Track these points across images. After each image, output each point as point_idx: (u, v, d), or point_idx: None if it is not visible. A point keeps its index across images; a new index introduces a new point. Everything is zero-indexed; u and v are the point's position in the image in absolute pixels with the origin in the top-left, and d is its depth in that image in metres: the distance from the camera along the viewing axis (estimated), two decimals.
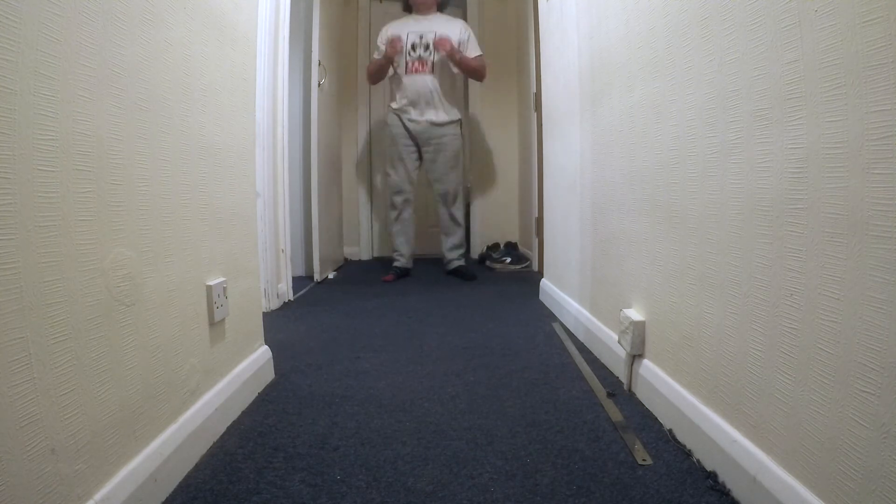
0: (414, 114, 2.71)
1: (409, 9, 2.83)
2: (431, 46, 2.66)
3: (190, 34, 0.92)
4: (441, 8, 2.82)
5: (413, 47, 2.68)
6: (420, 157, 2.81)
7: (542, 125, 2.35)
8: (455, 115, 2.77)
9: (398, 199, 2.79)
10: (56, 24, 0.59)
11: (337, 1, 3.17)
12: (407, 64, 2.68)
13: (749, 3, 0.73)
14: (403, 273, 2.84)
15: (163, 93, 0.83)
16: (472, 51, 2.70)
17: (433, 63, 2.68)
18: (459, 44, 2.67)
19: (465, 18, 3.70)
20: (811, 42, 0.62)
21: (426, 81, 2.68)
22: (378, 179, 3.69)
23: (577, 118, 1.67)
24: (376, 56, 2.73)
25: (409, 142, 2.75)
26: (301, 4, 2.68)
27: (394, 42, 2.59)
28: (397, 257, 2.85)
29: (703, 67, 0.86)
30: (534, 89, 2.88)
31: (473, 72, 2.72)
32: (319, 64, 2.65)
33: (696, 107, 0.89)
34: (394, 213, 2.82)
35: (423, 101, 2.69)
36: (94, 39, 0.66)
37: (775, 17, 0.68)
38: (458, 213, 2.84)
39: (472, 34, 2.73)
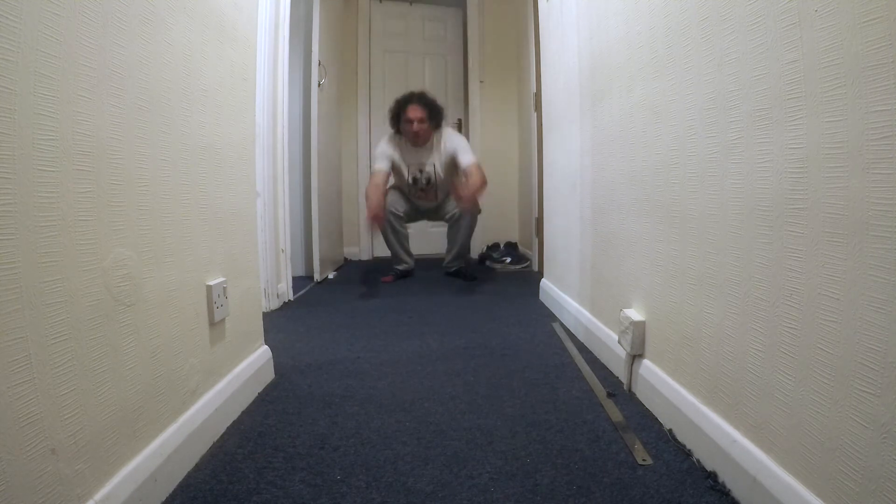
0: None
1: (398, 127, 2.65)
2: (433, 178, 2.66)
3: (190, 34, 0.92)
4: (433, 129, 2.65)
5: (415, 180, 2.68)
6: (420, 213, 2.83)
7: (542, 125, 2.35)
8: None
9: (393, 218, 2.66)
10: (56, 24, 0.59)
11: (337, 1, 3.17)
12: (410, 191, 2.71)
13: (749, 3, 0.73)
14: (406, 273, 2.83)
15: (163, 93, 0.83)
16: (464, 159, 2.53)
17: (436, 191, 2.71)
18: (454, 153, 2.58)
19: (464, 18, 3.72)
20: (811, 42, 0.62)
21: (430, 201, 2.75)
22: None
23: (577, 118, 1.67)
24: (380, 170, 2.57)
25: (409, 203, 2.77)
26: (301, 4, 2.68)
27: (375, 218, 2.40)
28: (396, 261, 2.79)
29: (703, 67, 0.86)
30: (534, 89, 2.88)
31: (482, 188, 2.48)
32: (319, 64, 2.65)
33: (696, 107, 0.89)
34: (387, 224, 2.66)
35: (430, 213, 2.79)
36: (94, 39, 0.66)
37: (775, 17, 0.68)
38: (468, 243, 2.82)
39: (466, 145, 2.60)
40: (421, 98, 2.57)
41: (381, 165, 2.59)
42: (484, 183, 2.45)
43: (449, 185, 2.74)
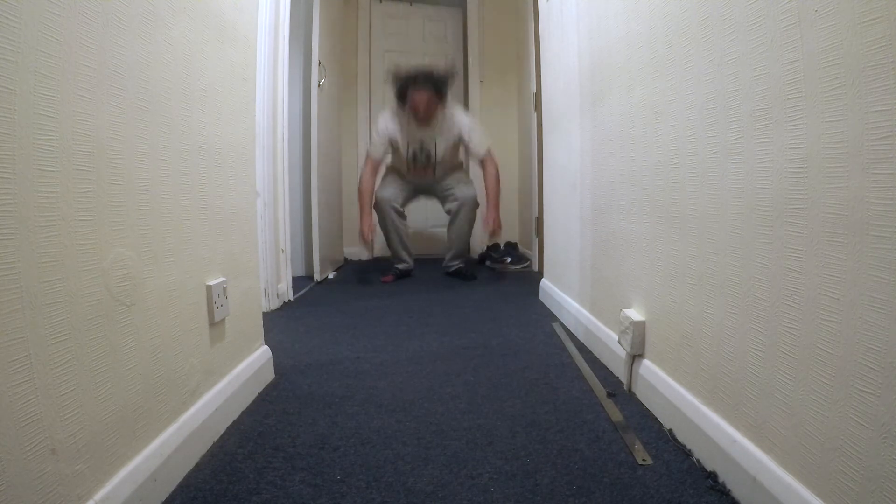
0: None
1: (403, 100, 2.60)
2: (433, 155, 2.61)
3: (190, 34, 0.92)
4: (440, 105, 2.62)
5: (414, 157, 2.62)
6: (418, 194, 2.80)
7: (542, 125, 2.35)
8: (459, 175, 2.71)
9: (393, 214, 2.67)
10: (56, 24, 0.59)
11: (337, 1, 3.17)
12: (408, 167, 2.66)
13: (749, 3, 0.73)
14: (405, 273, 2.83)
15: (163, 93, 0.83)
16: (478, 146, 2.55)
17: (434, 168, 2.65)
18: (461, 136, 2.56)
19: (464, 18, 3.72)
20: (811, 42, 0.62)
21: (428, 179, 2.69)
22: (378, 179, 3.68)
23: (577, 118, 1.67)
24: (373, 152, 2.58)
25: (408, 186, 2.74)
26: (301, 4, 2.68)
27: (369, 234, 2.46)
28: (396, 260, 2.80)
29: (703, 67, 0.86)
30: (534, 89, 2.88)
31: (499, 185, 2.54)
32: (319, 64, 2.65)
33: (696, 107, 0.89)
34: (383, 221, 2.69)
35: (427, 189, 2.74)
36: (94, 39, 0.66)
37: (775, 17, 0.68)
38: (468, 239, 2.82)
39: (474, 127, 2.58)
40: (427, 79, 2.49)
41: (378, 152, 2.56)
42: (498, 181, 2.49)
43: (449, 166, 2.69)
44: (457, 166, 2.75)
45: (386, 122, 2.60)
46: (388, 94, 2.74)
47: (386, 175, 2.74)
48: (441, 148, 2.62)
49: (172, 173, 0.86)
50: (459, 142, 2.61)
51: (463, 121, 2.59)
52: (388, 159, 2.73)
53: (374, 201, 2.64)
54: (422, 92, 2.47)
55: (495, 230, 2.36)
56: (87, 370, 0.65)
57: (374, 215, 2.70)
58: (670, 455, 0.91)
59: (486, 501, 0.79)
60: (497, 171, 2.50)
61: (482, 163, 2.53)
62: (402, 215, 2.69)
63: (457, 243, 2.76)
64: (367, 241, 2.36)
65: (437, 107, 2.55)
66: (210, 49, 1.00)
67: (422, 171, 2.68)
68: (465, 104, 3.77)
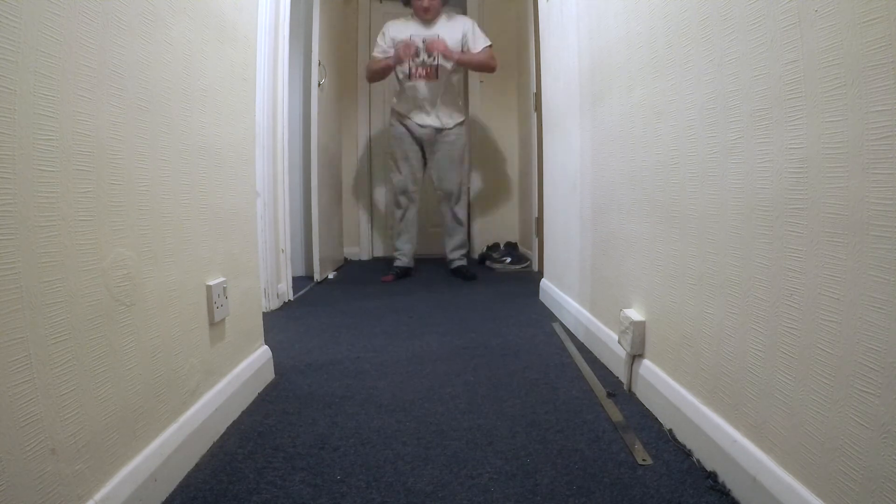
0: (417, 118, 2.71)
1: (408, 1, 2.77)
2: (437, 58, 2.64)
3: (190, 34, 0.92)
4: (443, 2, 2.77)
5: (416, 53, 2.66)
6: (424, 158, 2.81)
7: (542, 125, 2.35)
8: (459, 117, 2.76)
9: (403, 199, 2.79)
10: (56, 24, 0.59)
11: (337, 1, 3.17)
12: (410, 70, 2.66)
13: (749, 3, 0.73)
14: (405, 273, 2.84)
15: (163, 93, 0.83)
16: (479, 43, 2.66)
17: (436, 69, 2.66)
18: (465, 37, 2.64)
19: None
20: (811, 42, 0.62)
21: (429, 87, 2.67)
22: (378, 179, 3.69)
23: (577, 118, 1.67)
24: (377, 54, 2.70)
25: (413, 143, 2.76)
26: (301, 4, 2.68)
27: (408, 46, 2.56)
28: (399, 256, 2.85)
29: (703, 67, 0.86)
30: (534, 89, 2.88)
31: (480, 66, 2.69)
32: (319, 64, 2.64)
33: (696, 107, 0.89)
34: (399, 213, 2.82)
35: (427, 105, 2.69)
36: (94, 39, 0.66)
37: (775, 17, 0.68)
38: (461, 213, 2.85)
39: (476, 26, 2.69)
40: None
41: (385, 52, 2.66)
42: (485, 63, 2.62)
43: (449, 80, 2.71)
44: (459, 102, 2.77)
45: (388, 28, 2.70)
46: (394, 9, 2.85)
47: (394, 153, 2.80)
48: (430, 40, 2.67)
49: (172, 173, 0.86)
50: (461, 48, 2.67)
51: (466, 21, 2.70)
52: (394, 101, 2.78)
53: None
54: None
55: (432, 46, 2.51)
56: (87, 370, 0.65)
57: (393, 196, 2.86)
58: (670, 455, 0.91)
59: (486, 501, 0.79)
60: (490, 62, 2.65)
61: (481, 52, 2.65)
62: (412, 201, 2.79)
63: (456, 230, 2.84)
64: (409, 53, 2.52)
65: (440, 4, 2.66)
66: (210, 49, 1.00)
67: (423, 71, 2.68)
68: (465, 104, 3.77)
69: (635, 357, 1.19)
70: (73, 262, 0.63)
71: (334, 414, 1.10)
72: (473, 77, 3.68)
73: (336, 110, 3.19)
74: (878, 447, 0.54)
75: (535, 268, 3.04)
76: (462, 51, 2.67)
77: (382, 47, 2.68)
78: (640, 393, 1.15)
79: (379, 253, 3.74)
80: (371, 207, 3.71)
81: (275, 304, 2.10)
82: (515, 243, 3.42)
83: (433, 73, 2.67)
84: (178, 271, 0.88)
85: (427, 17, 2.64)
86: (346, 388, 1.25)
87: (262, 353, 1.28)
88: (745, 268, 0.77)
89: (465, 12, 3.70)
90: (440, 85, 2.67)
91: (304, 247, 2.85)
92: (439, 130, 2.72)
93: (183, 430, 0.87)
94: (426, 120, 2.71)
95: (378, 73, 2.72)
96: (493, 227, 3.70)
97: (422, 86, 2.66)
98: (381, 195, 3.72)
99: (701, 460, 0.88)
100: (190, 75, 0.92)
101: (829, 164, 0.60)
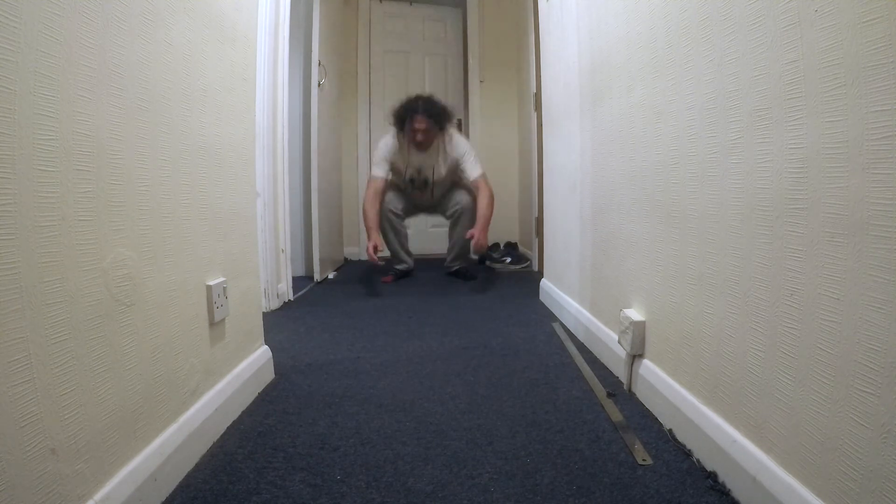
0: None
1: (400, 124, 2.62)
2: (431, 180, 2.66)
3: (190, 34, 0.92)
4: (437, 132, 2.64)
5: (412, 180, 2.67)
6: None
7: (542, 125, 2.35)
8: (463, 187, 2.72)
9: (391, 216, 2.68)
10: (56, 24, 0.59)
11: (337, 1, 3.17)
12: (406, 189, 2.72)
13: (749, 3, 0.73)
14: (406, 273, 2.84)
15: (163, 93, 0.83)
16: (474, 172, 2.57)
17: (432, 191, 2.71)
18: (459, 162, 2.59)
19: (464, 18, 3.72)
20: (811, 42, 0.62)
21: (426, 201, 2.76)
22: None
23: (577, 118, 1.67)
24: (377, 178, 2.58)
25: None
26: (301, 4, 2.68)
27: (371, 256, 2.43)
28: (398, 262, 2.81)
29: (703, 67, 0.86)
30: (534, 89, 2.88)
31: (492, 206, 2.55)
32: (319, 64, 2.65)
33: (696, 107, 0.89)
34: (387, 224, 2.69)
35: (426, 208, 2.79)
36: (94, 39, 0.66)
37: (775, 17, 0.68)
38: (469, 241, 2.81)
39: (471, 153, 2.61)
40: (427, 106, 2.51)
41: (379, 172, 2.60)
42: (491, 204, 2.52)
43: (448, 185, 2.73)
44: (456, 183, 2.77)
45: (385, 146, 2.63)
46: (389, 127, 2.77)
47: (388, 189, 2.77)
48: (439, 172, 2.67)
49: (172, 173, 0.86)
50: (457, 166, 2.66)
51: (460, 146, 2.63)
52: (390, 176, 2.77)
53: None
54: (421, 118, 2.50)
55: (477, 247, 2.41)
56: (87, 370, 0.65)
57: (384, 208, 2.77)
58: (670, 455, 0.91)
59: (486, 501, 0.79)
60: (491, 195, 2.54)
61: (476, 186, 2.58)
62: (400, 217, 2.71)
63: (458, 245, 2.78)
64: (374, 260, 2.40)
65: (435, 135, 2.59)
66: (210, 49, 1.00)
67: (419, 195, 2.74)
68: (465, 104, 3.77)
69: (635, 357, 1.19)
70: (73, 262, 0.63)
71: (334, 414, 1.10)
72: (473, 77, 3.68)
73: (336, 110, 3.19)
74: (878, 447, 0.54)
75: (535, 268, 3.04)
76: (455, 166, 2.62)
77: (378, 164, 2.60)
78: (640, 393, 1.15)
79: (379, 254, 3.73)
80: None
81: (275, 304, 2.10)
82: (515, 243, 3.42)
83: (430, 195, 2.72)
84: (178, 271, 0.88)
85: (420, 148, 2.60)
86: (346, 388, 1.25)
87: (262, 353, 1.28)
88: (745, 268, 0.77)
89: (465, 12, 3.70)
90: (438, 199, 2.73)
91: (304, 247, 2.85)
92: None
93: (183, 430, 0.87)
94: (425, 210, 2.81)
95: (366, 215, 2.57)
96: (494, 227, 3.69)
97: (417, 199, 2.75)
98: None
99: (701, 460, 0.88)
100: (190, 75, 0.92)
101: (829, 164, 0.60)
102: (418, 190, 2.72)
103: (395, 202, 2.68)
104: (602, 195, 1.44)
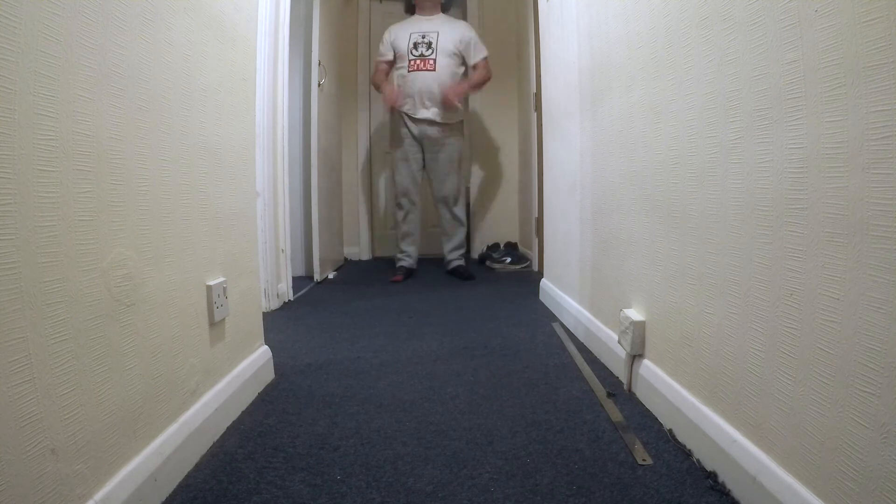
0: (416, 111, 2.70)
1: (411, 9, 2.83)
2: (434, 45, 2.66)
3: (190, 34, 0.92)
4: (445, 9, 2.82)
5: (415, 46, 2.68)
6: (424, 159, 2.82)
7: (542, 125, 2.35)
8: (456, 116, 2.77)
9: (405, 201, 2.80)
10: (56, 24, 0.59)
11: (337, 1, 3.17)
12: (409, 63, 2.68)
13: (749, 3, 0.73)
14: (409, 273, 2.85)
15: (163, 93, 0.83)
16: (478, 53, 2.70)
17: (434, 61, 2.67)
18: (465, 43, 2.68)
19: (465, 18, 3.71)
20: (811, 42, 0.62)
21: (427, 78, 2.66)
22: (378, 179, 3.69)
23: (577, 118, 1.67)
24: (380, 60, 2.75)
25: (413, 143, 2.76)
26: (301, 4, 2.68)
27: (397, 97, 2.62)
28: (403, 258, 2.85)
29: (703, 67, 0.86)
30: (534, 89, 2.88)
31: (482, 84, 2.74)
32: (319, 64, 2.64)
33: (696, 107, 0.89)
34: (401, 214, 2.83)
35: (425, 98, 2.67)
36: (94, 39, 0.66)
37: (775, 17, 0.68)
38: (460, 213, 2.85)
39: (475, 36, 2.73)
40: None
41: (384, 55, 2.72)
42: (485, 81, 2.66)
43: (448, 76, 2.70)
44: (455, 85, 2.74)
45: (392, 31, 2.74)
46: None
47: (394, 154, 2.83)
48: (443, 39, 2.69)
49: (172, 173, 0.86)
50: (459, 50, 2.70)
51: (467, 28, 2.74)
52: (396, 62, 2.79)
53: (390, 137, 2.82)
54: None
55: (447, 98, 2.53)
56: (87, 370, 0.65)
57: (395, 197, 2.85)
58: (670, 455, 0.91)
59: (486, 501, 0.79)
60: (488, 75, 2.69)
61: (477, 65, 2.69)
62: (413, 203, 2.80)
63: (454, 231, 2.84)
64: (395, 102, 2.57)
65: (439, 2, 2.72)
66: (210, 49, 1.00)
67: (422, 63, 2.69)
68: (465, 104, 3.77)
69: (635, 357, 1.19)
70: (73, 262, 0.63)
71: (334, 414, 1.10)
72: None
73: (336, 110, 3.19)
74: (878, 447, 0.54)
75: (535, 268, 3.04)
76: (460, 54, 2.70)
77: (381, 51, 2.74)
78: (640, 393, 1.15)
79: (379, 253, 3.74)
80: (371, 207, 3.71)
81: (275, 304, 2.10)
82: (515, 243, 3.42)
83: (432, 64, 2.68)
84: (178, 271, 0.88)
85: (426, 10, 2.69)
86: (346, 388, 1.25)
87: (262, 353, 1.28)
88: (745, 268, 0.77)
89: (465, 12, 3.70)
90: (438, 77, 2.66)
91: (304, 247, 2.85)
92: (436, 124, 2.70)
93: (183, 430, 0.87)
94: (426, 114, 2.69)
95: (377, 87, 2.80)
96: (493, 227, 3.70)
97: (419, 77, 2.67)
98: (381, 195, 3.72)
99: (701, 460, 0.88)
100: (190, 75, 0.92)
101: (829, 164, 0.60)
102: (420, 59, 2.68)
103: (409, 184, 2.75)
104: (602, 195, 1.44)
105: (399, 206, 2.82)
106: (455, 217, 2.83)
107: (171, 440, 0.83)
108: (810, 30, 0.62)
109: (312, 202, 2.65)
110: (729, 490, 0.79)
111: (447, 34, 2.67)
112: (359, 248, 3.70)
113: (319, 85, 2.65)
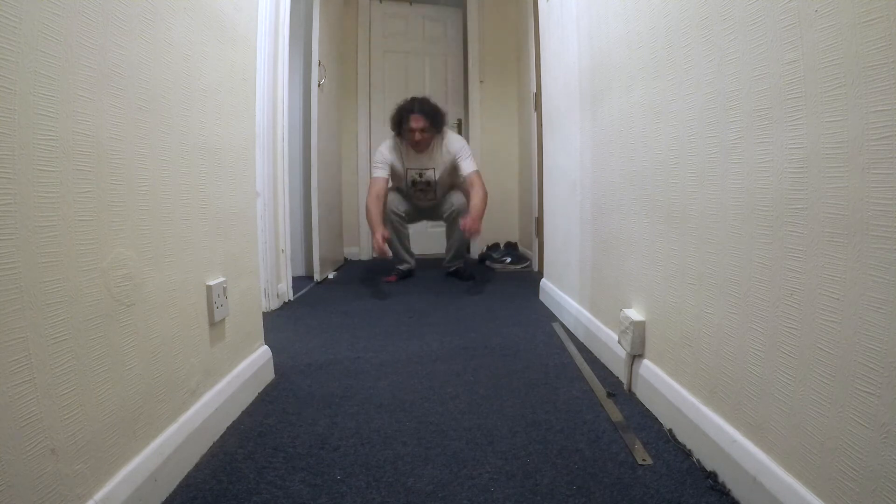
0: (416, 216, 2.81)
1: (398, 128, 2.63)
2: (434, 180, 2.68)
3: (190, 34, 0.92)
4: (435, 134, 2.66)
5: (414, 183, 2.69)
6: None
7: (542, 125, 2.35)
8: (459, 197, 2.73)
9: (394, 217, 2.70)
10: (56, 24, 0.59)
11: (337, 1, 3.17)
12: (409, 192, 2.74)
13: (749, 3, 0.73)
14: (408, 274, 2.84)
15: (163, 93, 0.83)
16: (467, 166, 2.59)
17: (435, 192, 2.73)
18: (454, 158, 2.62)
19: (464, 18, 3.72)
20: (811, 42, 0.62)
21: (430, 201, 2.77)
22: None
23: (576, 118, 1.67)
24: (378, 178, 2.59)
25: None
26: (301, 4, 2.68)
27: (387, 251, 2.46)
28: (400, 262, 2.82)
29: (703, 67, 0.86)
30: (534, 89, 2.88)
31: (485, 204, 2.56)
32: (319, 64, 2.65)
33: (696, 107, 0.89)
34: (389, 224, 2.69)
35: (429, 213, 2.80)
36: (94, 39, 0.66)
37: (775, 17, 0.68)
38: (467, 240, 2.84)
39: (465, 149, 2.64)
40: (422, 106, 2.55)
41: (380, 173, 2.62)
42: (485, 198, 2.52)
43: (448, 186, 2.75)
44: (453, 185, 2.79)
45: (386, 148, 2.66)
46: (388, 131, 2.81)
47: (389, 190, 2.77)
48: (440, 172, 2.69)
49: (172, 173, 0.86)
50: (452, 163, 2.68)
51: (456, 143, 2.67)
52: (391, 184, 2.77)
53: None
54: (418, 117, 2.53)
55: (469, 233, 2.43)
56: (87, 370, 0.65)
57: (386, 210, 2.79)
58: (670, 455, 0.91)
59: (486, 501, 0.79)
60: (484, 191, 2.56)
61: (470, 181, 2.60)
62: (402, 219, 2.73)
63: (455, 246, 2.80)
64: (383, 250, 2.43)
65: (432, 137, 2.62)
66: (210, 49, 1.00)
67: (422, 194, 2.75)
68: (465, 104, 3.77)
69: (635, 357, 1.19)
70: (73, 262, 0.63)
71: (334, 414, 1.10)
72: (473, 77, 3.68)
73: (336, 110, 3.19)
74: (878, 447, 0.54)
75: (535, 268, 3.04)
76: (453, 165, 2.65)
77: (378, 165, 2.62)
78: (641, 393, 1.15)
79: (379, 254, 3.73)
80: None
81: (275, 304, 2.10)
82: (515, 243, 3.42)
83: (432, 195, 2.73)
84: (178, 271, 0.88)
85: (418, 150, 2.62)
86: (346, 388, 1.25)
87: (261, 353, 1.28)
88: (745, 268, 0.77)
89: (464, 13, 3.70)
90: (440, 193, 2.73)
91: (304, 247, 2.85)
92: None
93: (183, 430, 0.87)
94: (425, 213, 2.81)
95: (370, 219, 2.55)
96: (493, 227, 3.70)
97: (420, 202, 2.75)
98: None
99: (701, 460, 0.88)
100: (190, 75, 0.92)
101: (829, 164, 0.60)
102: (421, 191, 2.73)
103: (397, 204, 2.70)
104: (602, 195, 1.44)
105: (389, 218, 2.70)
106: (457, 219, 2.81)
107: (171, 440, 0.83)
108: (810, 30, 0.62)
109: (312, 202, 2.65)
110: (729, 490, 0.79)
111: (442, 165, 2.65)
112: (359, 248, 3.70)
113: (319, 85, 2.65)
